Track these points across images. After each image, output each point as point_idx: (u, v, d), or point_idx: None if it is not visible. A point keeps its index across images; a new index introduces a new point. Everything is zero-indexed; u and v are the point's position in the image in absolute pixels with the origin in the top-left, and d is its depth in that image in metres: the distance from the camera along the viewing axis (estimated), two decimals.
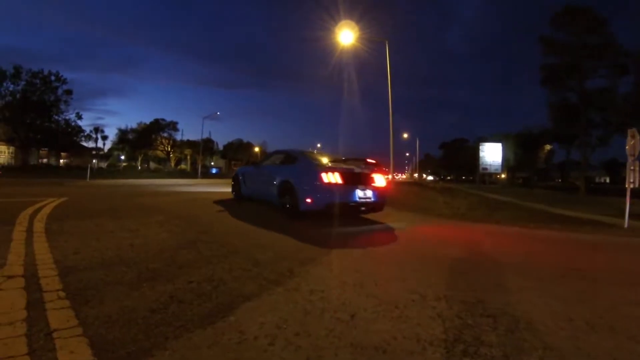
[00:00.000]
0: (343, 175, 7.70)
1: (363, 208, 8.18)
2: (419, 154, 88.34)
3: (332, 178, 7.57)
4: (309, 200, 7.66)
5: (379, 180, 8.49)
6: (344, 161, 8.62)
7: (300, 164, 8.72)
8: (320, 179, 7.54)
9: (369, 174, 8.35)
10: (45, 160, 63.66)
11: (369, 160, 8.81)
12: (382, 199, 8.51)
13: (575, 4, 38.13)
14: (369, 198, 8.06)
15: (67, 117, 50.97)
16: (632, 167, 9.98)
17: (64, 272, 3.62)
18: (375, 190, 8.25)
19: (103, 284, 3.36)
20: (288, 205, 8.28)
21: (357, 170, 8.18)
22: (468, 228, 8.52)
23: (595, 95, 37.33)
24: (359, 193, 7.86)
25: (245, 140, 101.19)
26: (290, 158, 9.36)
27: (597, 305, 3.37)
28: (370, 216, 9.24)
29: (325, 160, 8.59)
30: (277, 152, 10.60)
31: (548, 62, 40.80)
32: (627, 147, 10.04)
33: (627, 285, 4.19)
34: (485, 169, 61.29)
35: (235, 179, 12.01)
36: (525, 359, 2.31)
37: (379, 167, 8.92)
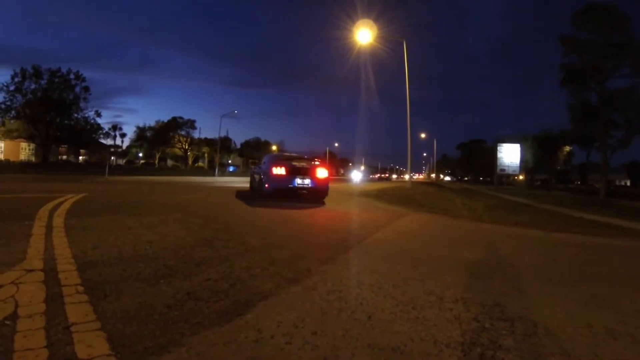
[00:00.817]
0: (287, 169, 11.36)
1: (305, 192, 11.62)
2: (436, 155, 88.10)
3: (279, 171, 11.28)
4: (267, 185, 11.47)
5: (320, 172, 11.92)
6: (295, 159, 12.35)
7: (265, 163, 12.71)
8: (272, 171, 11.34)
9: (310, 168, 11.85)
10: (64, 157, 64.86)
11: (315, 159, 12.99)
12: (321, 186, 11.97)
13: (597, 1, 37.30)
14: (307, 185, 11.49)
15: (86, 115, 51.85)
16: None
17: (82, 267, 3.67)
18: (314, 179, 11.62)
19: (121, 279, 3.39)
20: (260, 191, 12.28)
21: (297, 165, 11.76)
22: (485, 230, 8.44)
23: (616, 95, 36.51)
24: (298, 181, 11.35)
25: (262, 139, 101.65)
26: (263, 159, 13.85)
27: (617, 312, 3.29)
28: (384, 216, 9.20)
29: (283, 159, 12.16)
30: (264, 157, 14.22)
31: (568, 62, 39.98)
32: None
33: None
34: (503, 170, 60.82)
35: (250, 177, 16.37)
36: None
37: (321, 164, 12.59)
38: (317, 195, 12.15)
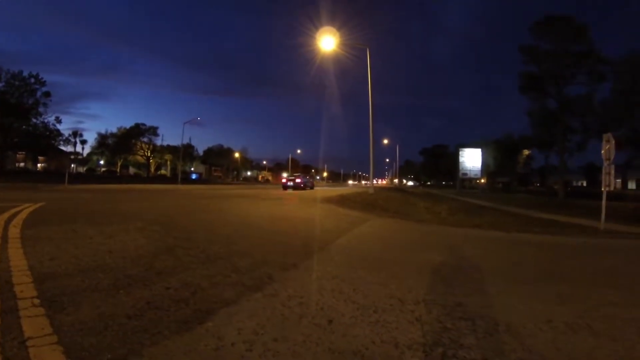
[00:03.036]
0: (287, 179, 39.44)
1: (302, 185, 36.72)
2: (399, 160, 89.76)
3: (285, 180, 39.22)
4: (283, 185, 38.25)
5: (309, 178, 46.67)
6: (298, 174, 49.00)
7: (285, 176, 46.77)
8: (283, 180, 41.41)
9: (304, 176, 44.87)
10: (22, 164, 62.47)
11: (300, 174, 51.42)
12: (308, 183, 40.65)
13: (556, 13, 38.96)
14: (297, 184, 36.86)
15: (45, 121, 50.17)
16: (607, 171, 10.18)
17: (39, 279, 3.55)
18: (305, 181, 39.60)
19: (79, 290, 3.29)
20: (285, 186, 37.26)
21: (291, 176, 43.37)
22: (448, 233, 8.59)
23: (574, 101, 38.08)
24: (290, 183, 36.96)
25: (225, 146, 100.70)
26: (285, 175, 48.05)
27: (576, 307, 3.41)
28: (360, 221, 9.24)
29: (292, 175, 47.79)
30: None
31: (527, 70, 41.52)
32: (602, 152, 10.23)
33: (605, 286, 4.25)
34: (465, 174, 62.44)
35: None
36: None
37: (310, 175, 62.72)
38: (306, 187, 37.32)
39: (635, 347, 2.58)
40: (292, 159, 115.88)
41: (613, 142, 10.09)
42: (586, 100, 37.39)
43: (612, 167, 10.25)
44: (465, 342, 2.54)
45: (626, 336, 2.76)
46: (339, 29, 19.93)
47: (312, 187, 41.07)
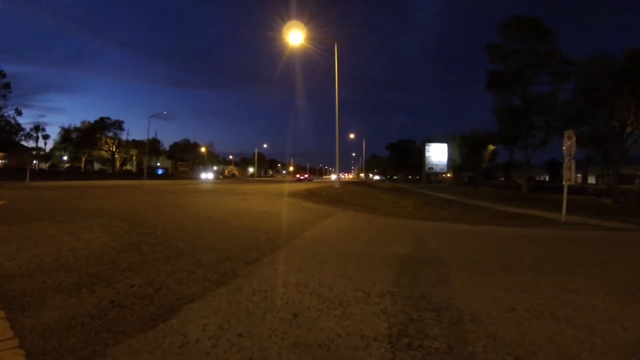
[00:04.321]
0: (298, 175, 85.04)
1: (302, 179, 72.45)
2: (365, 154, 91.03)
3: (298, 175, 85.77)
4: (297, 179, 73.73)
5: (307, 175, 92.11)
6: (302, 172, 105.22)
7: (298, 175, 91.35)
8: (296, 175, 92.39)
9: (305, 173, 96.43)
10: None
11: (306, 173, 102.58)
12: (308, 178, 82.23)
13: (523, 14, 40.10)
14: (305, 178, 76.23)
15: (4, 114, 48.21)
16: (568, 166, 10.53)
17: None
18: (307, 176, 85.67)
19: (41, 291, 3.19)
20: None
21: (301, 174, 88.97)
22: (415, 226, 8.71)
23: (538, 100, 39.26)
24: (302, 177, 77.71)
25: (192, 141, 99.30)
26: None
27: (538, 295, 3.52)
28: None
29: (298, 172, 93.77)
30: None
31: (494, 68, 42.57)
32: (564, 148, 10.57)
33: (566, 274, 4.42)
34: (432, 168, 63.75)
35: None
36: (470, 349, 2.36)
37: (309, 173, 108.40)
38: (307, 180, 71.02)
39: (594, 332, 2.67)
40: (258, 154, 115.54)
41: (574, 138, 10.45)
42: (550, 98, 38.70)
43: (573, 162, 10.61)
44: (430, 332, 2.58)
45: (586, 322, 2.87)
46: (307, 22, 19.90)
47: (311, 180, 69.71)
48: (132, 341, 2.34)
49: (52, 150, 79.41)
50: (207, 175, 68.00)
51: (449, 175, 71.16)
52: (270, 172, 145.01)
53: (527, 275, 4.33)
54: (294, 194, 16.98)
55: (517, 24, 39.41)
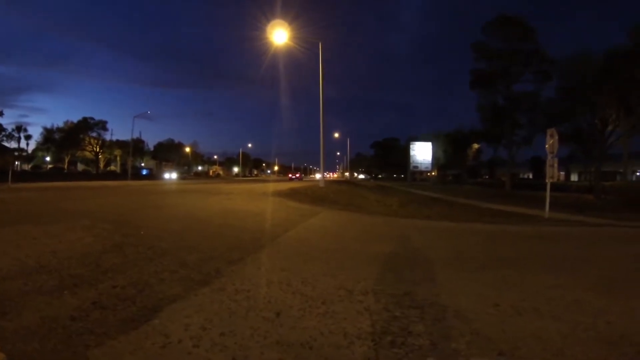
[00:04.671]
0: (290, 175, 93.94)
1: (294, 178, 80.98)
2: (350, 153, 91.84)
3: (290, 175, 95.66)
4: (290, 178, 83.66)
5: (298, 174, 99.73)
6: (295, 172, 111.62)
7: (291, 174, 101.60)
8: (289, 175, 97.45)
9: (295, 173, 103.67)
10: None
11: (298, 173, 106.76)
12: (300, 176, 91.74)
13: (508, 13, 40.56)
14: (297, 177, 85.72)
15: None
16: (551, 164, 10.68)
17: None
18: (299, 176, 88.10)
19: (22, 293, 3.13)
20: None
21: (292, 174, 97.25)
22: (400, 224, 8.76)
23: (521, 98, 39.76)
24: (294, 177, 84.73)
25: (176, 140, 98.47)
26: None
27: (522, 290, 3.56)
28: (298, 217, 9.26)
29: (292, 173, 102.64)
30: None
31: (478, 67, 42.99)
32: (547, 146, 10.72)
33: (550, 270, 4.48)
34: (416, 167, 64.39)
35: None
36: (454, 346, 2.37)
37: (300, 172, 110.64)
38: (298, 179, 76.63)
39: (578, 326, 2.70)
40: (242, 153, 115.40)
41: (556, 136, 10.61)
42: (533, 97, 39.23)
43: (556, 160, 10.78)
44: (414, 330, 2.59)
45: (569, 316, 2.91)
46: (291, 22, 19.90)
47: (301, 179, 76.74)
48: (114, 342, 2.31)
49: (34, 151, 78.04)
50: (171, 175, 63.01)
51: (433, 173, 71.64)
52: (255, 172, 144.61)
53: (511, 271, 4.38)
54: (279, 193, 16.94)
55: (500, 23, 39.86)
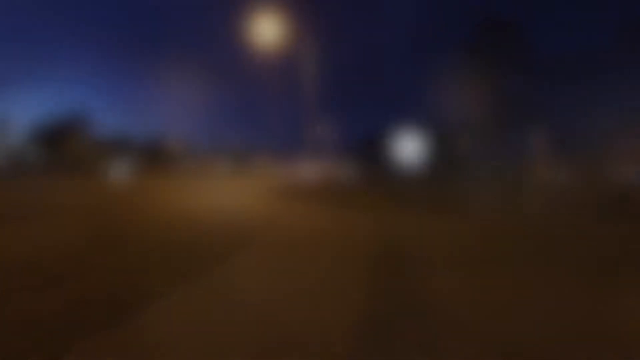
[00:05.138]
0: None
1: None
2: (335, 149, 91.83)
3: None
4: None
5: (294, 174, 41.13)
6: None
7: None
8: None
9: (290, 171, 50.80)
10: None
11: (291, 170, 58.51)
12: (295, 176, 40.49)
13: (496, 11, 40.92)
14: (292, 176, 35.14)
15: None
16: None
17: None
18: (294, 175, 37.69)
19: (6, 291, 3.15)
20: None
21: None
22: (387, 221, 8.70)
23: (509, 95, 40.16)
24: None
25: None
26: None
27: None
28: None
29: None
30: None
31: (466, 64, 43.29)
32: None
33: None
34: (403, 162, 64.41)
35: None
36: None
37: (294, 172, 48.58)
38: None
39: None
40: (228, 147, 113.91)
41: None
42: (520, 94, 39.55)
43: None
44: (397, 323, 2.62)
45: None
46: (279, 17, 19.88)
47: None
48: (96, 338, 2.34)
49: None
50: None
51: (420, 169, 71.63)
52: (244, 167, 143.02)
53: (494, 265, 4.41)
54: (265, 192, 16.82)
55: (489, 21, 40.11)
